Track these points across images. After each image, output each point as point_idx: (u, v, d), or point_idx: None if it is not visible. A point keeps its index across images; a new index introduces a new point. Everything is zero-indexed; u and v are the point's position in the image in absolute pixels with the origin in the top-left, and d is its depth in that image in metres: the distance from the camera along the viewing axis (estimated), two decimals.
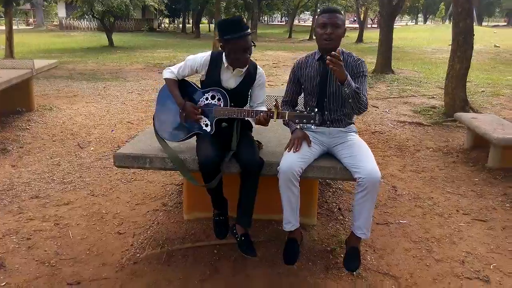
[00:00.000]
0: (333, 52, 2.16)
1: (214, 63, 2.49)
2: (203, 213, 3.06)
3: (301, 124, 2.26)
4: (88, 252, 2.75)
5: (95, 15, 20.06)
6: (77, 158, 4.58)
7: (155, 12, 27.93)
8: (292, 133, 2.50)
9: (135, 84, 9.57)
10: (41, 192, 3.66)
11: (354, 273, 2.56)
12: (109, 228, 3.09)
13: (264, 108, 2.56)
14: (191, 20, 41.65)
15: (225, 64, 2.46)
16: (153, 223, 3.14)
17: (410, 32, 33.12)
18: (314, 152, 2.44)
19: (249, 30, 2.36)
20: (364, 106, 2.37)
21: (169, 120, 2.59)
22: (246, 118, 2.42)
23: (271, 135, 2.96)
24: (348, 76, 2.25)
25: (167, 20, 45.65)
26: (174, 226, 3.06)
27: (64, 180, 3.93)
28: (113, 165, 4.25)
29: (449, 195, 3.77)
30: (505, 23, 55.86)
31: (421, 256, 2.80)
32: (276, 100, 2.32)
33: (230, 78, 2.50)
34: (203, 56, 2.52)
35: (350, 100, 2.31)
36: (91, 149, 4.91)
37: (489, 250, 2.88)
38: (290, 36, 32.08)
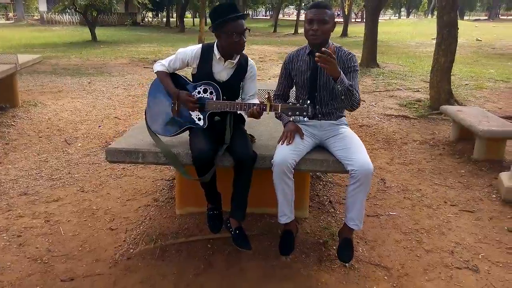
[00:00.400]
0: (323, 49, 2.16)
1: (206, 56, 2.48)
2: (196, 208, 3.06)
3: (293, 117, 2.27)
4: (80, 249, 2.73)
5: (77, 9, 19.71)
6: (64, 154, 4.52)
7: (139, 6, 27.58)
8: (284, 126, 2.52)
9: (120, 79, 9.47)
10: (29, 189, 3.61)
11: (347, 264, 2.60)
12: (100, 224, 3.07)
13: (256, 101, 2.57)
14: (175, 14, 41.32)
15: (217, 56, 2.46)
16: (145, 219, 3.13)
17: (393, 26, 33.39)
18: (307, 145, 2.45)
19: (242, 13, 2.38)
20: (357, 103, 2.38)
21: (161, 115, 2.57)
22: (238, 112, 2.42)
23: (263, 129, 2.97)
24: (342, 73, 2.26)
25: (150, 14, 45.17)
26: (167, 221, 3.06)
27: (53, 177, 3.88)
28: (101, 161, 4.30)
29: (437, 187, 3.84)
30: (486, 17, 56.70)
31: (411, 247, 2.85)
32: (268, 92, 2.33)
33: (222, 71, 2.50)
34: (194, 48, 2.51)
35: (342, 97, 2.32)
36: (79, 145, 4.85)
37: (477, 240, 2.94)
38: (275, 31, 32.09)
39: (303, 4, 34.27)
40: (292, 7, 56.42)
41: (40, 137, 5.08)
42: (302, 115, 2.23)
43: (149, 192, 3.63)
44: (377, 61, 11.25)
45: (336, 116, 2.57)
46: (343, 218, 2.58)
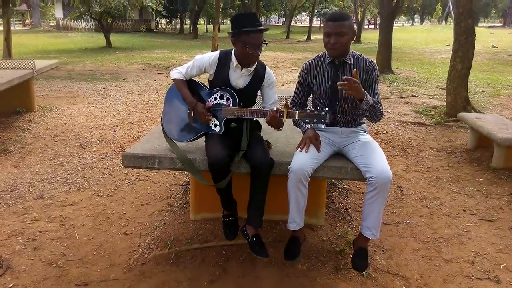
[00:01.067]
0: (345, 77, 2.17)
1: (223, 63, 2.47)
2: (211, 214, 3.04)
3: (311, 124, 2.24)
4: (95, 253, 2.72)
5: (92, 15, 20.00)
6: (79, 158, 4.55)
7: (153, 12, 27.86)
8: (304, 133, 2.49)
9: (134, 84, 9.54)
10: (45, 192, 3.63)
11: (364, 273, 2.55)
12: (115, 228, 3.06)
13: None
14: (189, 21, 41.66)
15: (234, 63, 2.44)
16: (159, 224, 3.12)
17: (407, 33, 33.20)
18: (326, 152, 2.42)
19: (263, 27, 2.36)
20: (381, 115, 2.40)
21: (177, 121, 2.56)
22: (255, 118, 2.40)
23: (279, 134, 2.93)
24: (366, 94, 2.26)
25: (163, 21, 45.59)
26: (181, 227, 3.04)
27: (68, 181, 3.90)
28: (116, 165, 4.31)
29: (455, 195, 3.77)
30: (501, 24, 56.08)
31: (430, 256, 2.79)
32: (286, 99, 2.30)
33: (239, 78, 2.48)
34: (211, 55, 2.50)
35: (367, 114, 2.36)
36: (94, 149, 4.88)
37: (498, 250, 2.87)
38: (288, 37, 32.14)
39: (316, 11, 34.28)
40: (304, 13, 56.48)
41: (55, 141, 5.13)
42: (320, 122, 2.20)
43: (163, 197, 3.62)
44: (392, 68, 11.16)
45: (357, 123, 2.54)
46: (359, 227, 2.53)
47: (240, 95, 2.45)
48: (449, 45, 22.99)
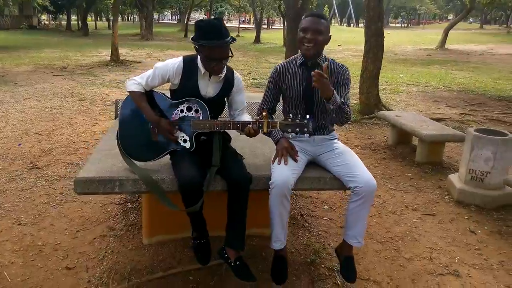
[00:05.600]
0: (316, 70, 2.06)
1: (189, 70, 2.21)
2: (167, 236, 2.76)
3: (293, 134, 2.11)
4: None
5: None
6: None
7: (39, 7, 25.30)
8: (276, 143, 2.34)
9: (29, 88, 8.51)
10: None
11: (339, 282, 2.51)
12: (53, 263, 2.62)
13: (246, 116, 2.36)
14: (76, 17, 38.76)
15: (202, 70, 2.21)
16: (105, 252, 2.74)
17: None
18: (302, 162, 2.31)
19: (230, 38, 2.13)
20: (348, 117, 2.29)
21: (137, 137, 2.24)
22: (230, 130, 2.20)
23: (243, 145, 2.72)
24: (334, 92, 2.15)
25: (44, 17, 41.80)
26: (135, 254, 2.70)
27: None
28: (32, 186, 3.74)
29: (393, 192, 3.94)
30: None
31: (392, 256, 2.85)
32: (264, 109, 2.15)
33: (208, 86, 2.25)
34: (174, 63, 2.22)
35: (334, 115, 2.24)
36: None
37: (448, 244, 3.04)
38: (186, 35, 31.54)
39: (213, 10, 34.27)
40: (198, 12, 56.11)
41: None
42: (302, 132, 2.08)
43: (100, 219, 3.21)
44: None
45: (328, 130, 2.46)
46: (343, 236, 2.44)
47: (210, 105, 2.22)
48: (340, 45, 24.62)
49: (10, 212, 3.26)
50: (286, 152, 2.24)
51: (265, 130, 2.11)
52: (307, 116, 2.09)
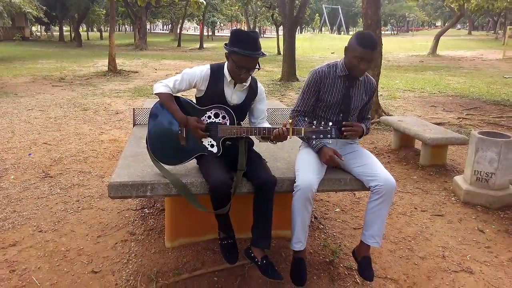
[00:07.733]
0: (349, 122, 2.36)
1: (216, 77, 2.31)
2: (189, 239, 2.83)
3: (317, 140, 2.22)
4: None
5: None
6: None
7: (33, 19, 25.31)
8: (319, 151, 2.41)
9: (31, 99, 8.55)
10: None
11: (358, 280, 2.60)
12: (78, 268, 2.68)
13: (267, 124, 2.45)
14: (69, 28, 38.77)
15: (228, 78, 2.31)
16: (129, 256, 2.81)
17: None
18: (324, 166, 2.41)
19: (261, 52, 2.23)
20: (368, 132, 2.56)
21: (166, 142, 2.33)
22: (256, 136, 2.30)
23: (263, 149, 2.80)
24: (363, 126, 2.44)
25: (34, 28, 41.75)
26: (159, 256, 2.77)
27: None
28: (47, 194, 3.80)
29: (401, 194, 4.05)
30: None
31: (406, 256, 2.95)
32: (290, 116, 2.24)
33: (233, 94, 2.35)
34: (202, 69, 2.32)
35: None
36: (12, 177, 4.23)
37: (459, 242, 3.15)
38: (179, 45, 31.73)
39: (205, 20, 34.49)
40: (189, 22, 56.35)
41: None
42: (326, 137, 2.18)
43: (119, 225, 3.27)
44: (297, 75, 11.68)
45: None
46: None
47: (235, 112, 2.32)
48: (333, 52, 24.91)
49: (29, 219, 3.32)
50: (335, 159, 2.37)
51: (290, 135, 2.20)
52: (330, 123, 2.19)
